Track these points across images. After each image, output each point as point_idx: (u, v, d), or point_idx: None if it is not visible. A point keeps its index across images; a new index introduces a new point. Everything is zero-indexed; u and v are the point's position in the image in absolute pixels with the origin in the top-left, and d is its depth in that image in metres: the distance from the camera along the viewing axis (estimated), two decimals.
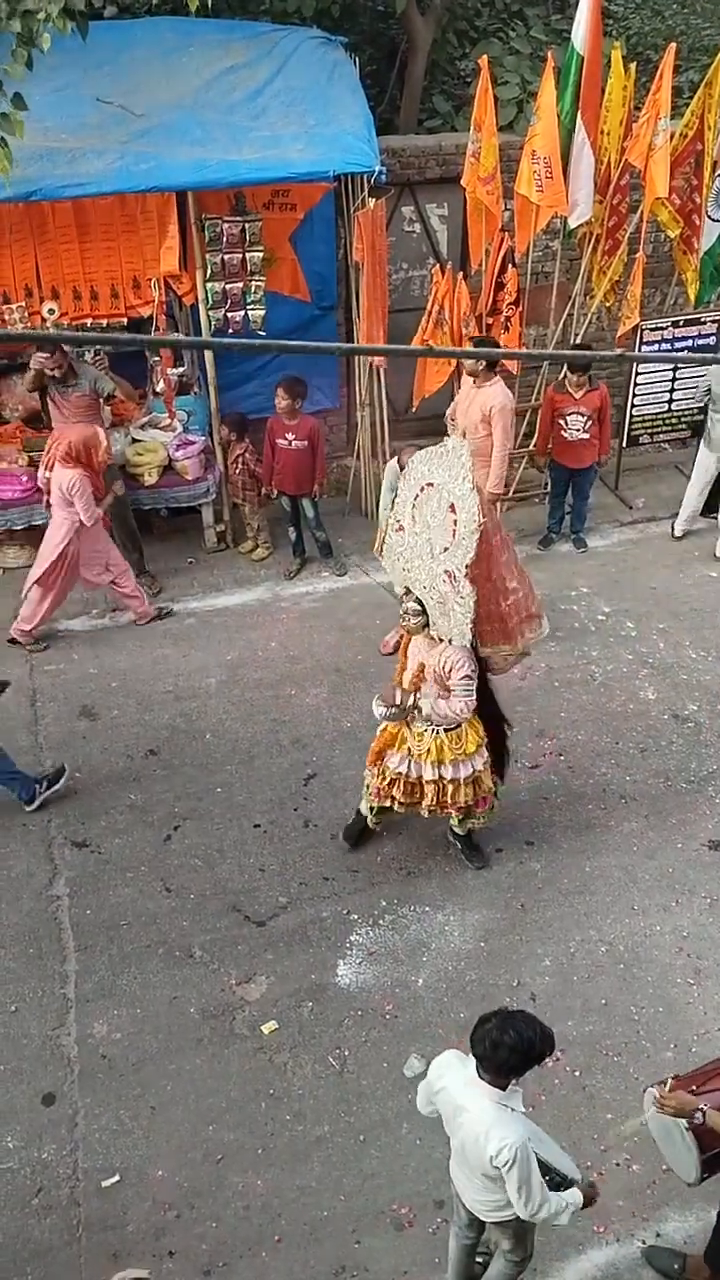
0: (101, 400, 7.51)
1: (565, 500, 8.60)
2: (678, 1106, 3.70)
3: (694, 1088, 3.90)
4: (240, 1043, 5.13)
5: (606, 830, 6.23)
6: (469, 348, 7.52)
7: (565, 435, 8.11)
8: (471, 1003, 5.26)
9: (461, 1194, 3.79)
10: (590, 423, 8.05)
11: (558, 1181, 3.56)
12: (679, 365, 9.11)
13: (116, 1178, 4.61)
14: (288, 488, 7.98)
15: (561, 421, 8.08)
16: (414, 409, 8.65)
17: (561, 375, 8.32)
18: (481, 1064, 3.44)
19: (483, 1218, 3.76)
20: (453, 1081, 3.56)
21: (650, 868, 5.99)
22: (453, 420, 7.87)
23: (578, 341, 8.78)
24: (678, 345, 9.03)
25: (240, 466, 8.15)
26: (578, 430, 8.06)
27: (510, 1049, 3.35)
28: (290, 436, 7.73)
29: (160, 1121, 4.82)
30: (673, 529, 8.77)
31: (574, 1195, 3.54)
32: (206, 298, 7.58)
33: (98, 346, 7.57)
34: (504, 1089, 3.45)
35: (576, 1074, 4.97)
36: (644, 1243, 4.40)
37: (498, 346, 7.76)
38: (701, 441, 8.51)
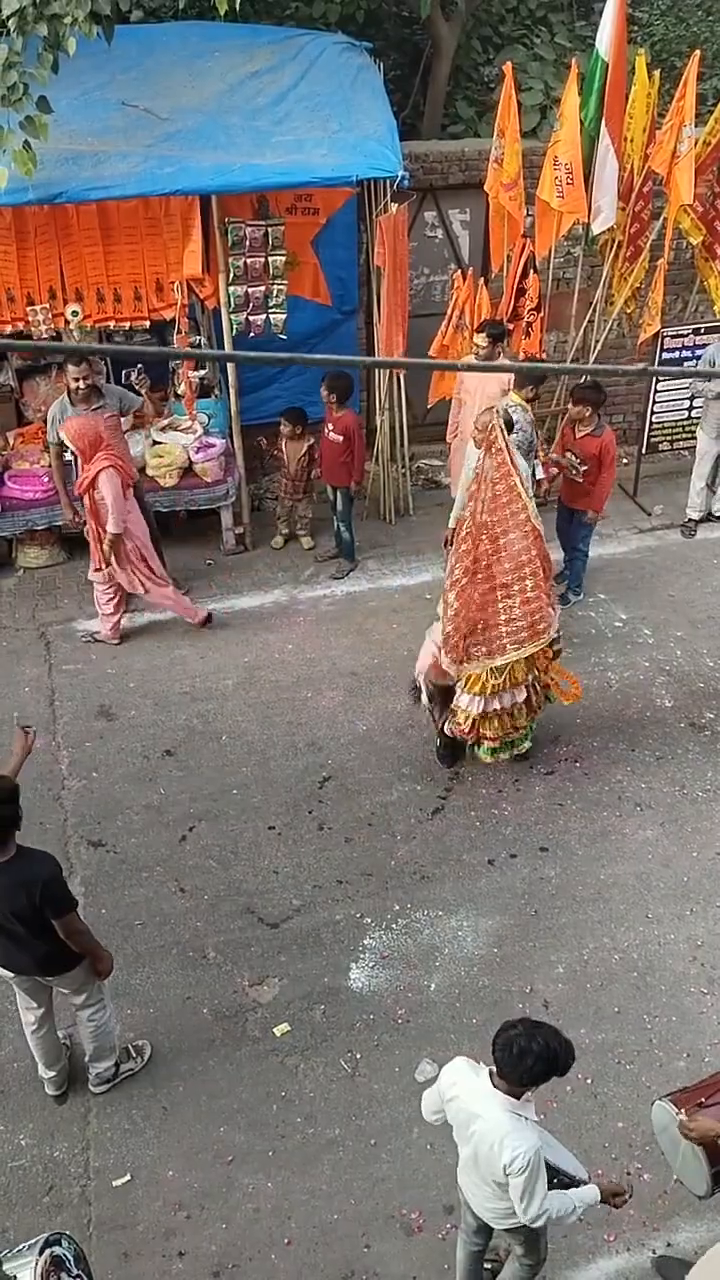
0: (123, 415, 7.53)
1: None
2: (702, 1133, 3.70)
3: (702, 1100, 3.89)
4: (252, 1044, 5.15)
5: (621, 837, 6.21)
6: (479, 339, 7.49)
7: (568, 473, 7.62)
8: (484, 1008, 5.26)
9: (470, 1201, 3.79)
10: (585, 468, 7.49)
11: (566, 1183, 3.57)
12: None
13: (127, 1177, 4.64)
14: (326, 477, 8.16)
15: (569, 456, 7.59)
16: (429, 407, 8.65)
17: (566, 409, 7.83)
18: (501, 1070, 3.44)
19: (493, 1225, 3.76)
20: (466, 1090, 3.56)
21: (665, 876, 5.98)
22: (455, 432, 7.82)
23: (598, 349, 8.77)
24: (698, 353, 9.02)
25: (307, 459, 8.31)
26: (572, 472, 7.56)
27: (537, 1057, 3.36)
28: (330, 427, 7.93)
29: (172, 1122, 4.83)
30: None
31: (587, 1192, 3.55)
32: (228, 301, 7.60)
33: (140, 366, 7.59)
34: (519, 1098, 3.45)
35: (589, 1081, 4.96)
36: (654, 1252, 4.39)
37: (504, 325, 7.71)
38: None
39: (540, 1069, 3.39)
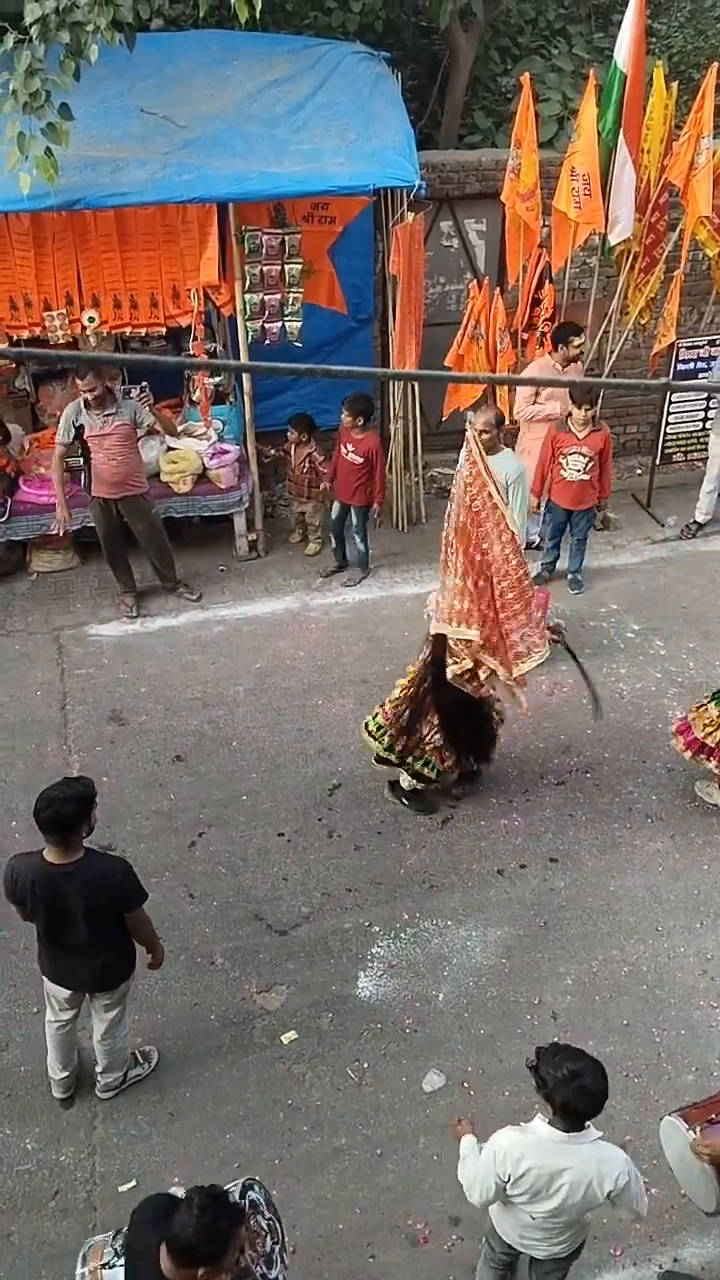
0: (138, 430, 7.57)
1: (560, 541, 8.25)
2: (715, 1152, 3.68)
3: (713, 1116, 3.87)
4: (259, 1052, 5.14)
5: (632, 849, 6.19)
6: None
7: (564, 475, 7.74)
8: (492, 1019, 5.25)
9: (534, 1251, 3.71)
10: (591, 464, 7.66)
11: None
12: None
13: (133, 1183, 4.62)
14: (340, 495, 8.13)
15: (561, 460, 7.73)
16: (445, 420, 8.66)
17: (565, 412, 7.91)
18: (587, 1115, 3.40)
19: (561, 1256, 3.73)
20: (536, 1155, 3.44)
21: (675, 889, 5.95)
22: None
23: (613, 360, 8.76)
24: (713, 364, 9.02)
25: (306, 466, 8.31)
26: (577, 471, 7.69)
27: (602, 1081, 3.38)
28: (350, 448, 7.89)
29: (178, 1128, 4.83)
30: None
31: None
32: (244, 309, 7.62)
33: (144, 384, 7.60)
34: (581, 1129, 3.44)
35: None
36: (661, 1267, 4.36)
37: (579, 327, 7.87)
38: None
39: (605, 1074, 3.40)
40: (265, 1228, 3.45)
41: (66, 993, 4.60)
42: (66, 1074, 4.86)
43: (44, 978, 4.64)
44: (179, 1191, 3.31)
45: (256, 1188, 3.59)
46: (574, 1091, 3.33)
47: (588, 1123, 3.46)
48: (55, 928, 4.37)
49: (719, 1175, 3.72)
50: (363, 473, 7.92)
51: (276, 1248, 3.46)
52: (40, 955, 4.59)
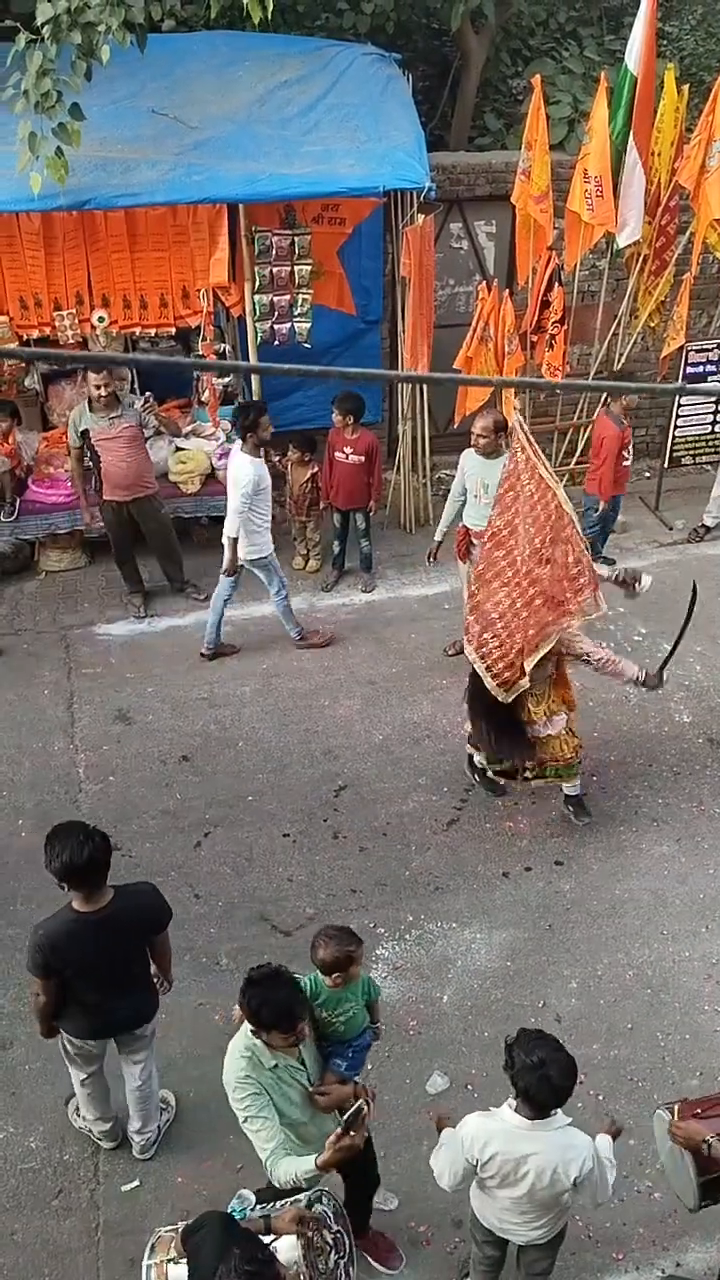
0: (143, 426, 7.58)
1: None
2: (686, 1136, 3.66)
3: (699, 1111, 3.84)
4: None
5: (637, 853, 6.19)
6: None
7: (626, 464, 8.00)
8: (496, 1022, 5.24)
9: (515, 1236, 3.72)
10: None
11: None
12: None
13: (136, 1182, 4.64)
14: (339, 501, 8.04)
15: (625, 453, 7.93)
16: (455, 425, 8.66)
17: (613, 405, 7.94)
18: (550, 1105, 3.41)
19: (542, 1242, 3.74)
20: (502, 1140, 3.46)
21: (681, 893, 5.94)
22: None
23: (622, 363, 8.76)
24: None
25: (310, 486, 8.16)
26: (628, 455, 7.96)
27: (568, 1070, 3.38)
28: (348, 450, 7.82)
29: (181, 1128, 4.83)
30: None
31: (603, 1143, 3.66)
32: (254, 309, 7.64)
33: (148, 395, 7.60)
34: (547, 1116, 3.44)
35: (599, 1098, 4.93)
36: (663, 1272, 4.35)
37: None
38: None
39: (574, 1072, 3.39)
40: (330, 1243, 3.41)
41: (94, 1043, 4.42)
42: (111, 1122, 4.71)
43: (69, 1040, 4.39)
44: (246, 1197, 3.34)
45: (325, 1199, 3.55)
46: (537, 1080, 3.35)
47: (556, 1110, 3.47)
48: (98, 979, 4.12)
49: (695, 1165, 3.65)
50: (365, 472, 7.86)
51: (342, 1262, 3.41)
52: (71, 1016, 4.29)
